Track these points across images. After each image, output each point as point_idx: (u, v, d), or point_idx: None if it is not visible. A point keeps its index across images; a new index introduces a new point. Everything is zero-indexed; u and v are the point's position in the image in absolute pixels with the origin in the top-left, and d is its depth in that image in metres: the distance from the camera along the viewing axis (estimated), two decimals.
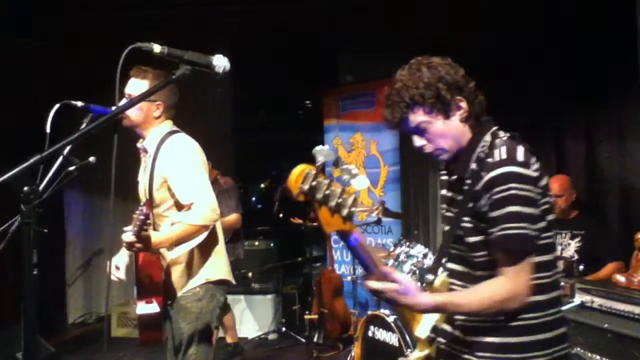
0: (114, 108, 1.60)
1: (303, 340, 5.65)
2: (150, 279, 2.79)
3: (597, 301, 3.08)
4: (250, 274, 5.88)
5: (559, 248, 4.18)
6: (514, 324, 1.73)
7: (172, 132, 2.87)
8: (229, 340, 5.31)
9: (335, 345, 5.45)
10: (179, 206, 2.79)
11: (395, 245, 4.19)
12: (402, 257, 3.99)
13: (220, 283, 2.93)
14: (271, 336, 5.97)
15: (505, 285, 1.67)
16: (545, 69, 4.75)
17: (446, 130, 1.78)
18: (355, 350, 4.20)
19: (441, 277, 1.90)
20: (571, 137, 4.79)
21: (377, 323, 4.02)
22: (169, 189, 2.78)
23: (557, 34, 4.64)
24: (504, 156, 1.70)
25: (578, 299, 3.19)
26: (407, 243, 4.04)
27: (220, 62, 1.60)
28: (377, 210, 4.93)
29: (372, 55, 6.01)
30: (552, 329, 1.76)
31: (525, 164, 1.69)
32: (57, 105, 2.37)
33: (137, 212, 2.47)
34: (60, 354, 5.11)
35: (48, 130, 2.28)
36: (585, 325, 2.97)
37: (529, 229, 1.66)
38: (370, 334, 4.09)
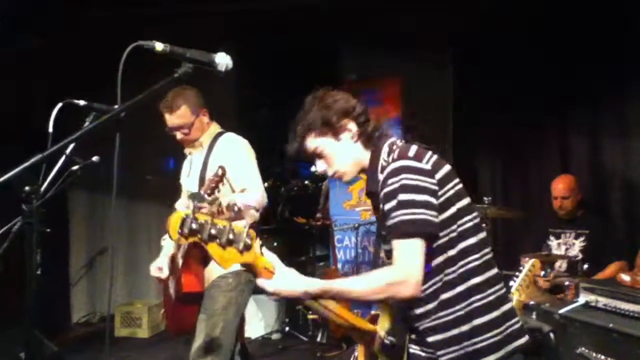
0: (116, 107, 1.59)
1: (307, 339, 5.65)
2: (195, 256, 2.94)
3: (602, 301, 3.06)
4: None
5: (563, 247, 4.17)
6: (462, 312, 1.78)
7: (222, 133, 3.18)
8: None
9: (339, 345, 5.44)
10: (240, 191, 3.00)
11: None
12: None
13: (252, 275, 3.00)
14: (275, 336, 5.96)
15: (394, 270, 1.71)
16: (549, 67, 4.73)
17: (340, 151, 1.94)
18: (359, 350, 4.19)
19: None
20: (575, 136, 4.78)
21: None
22: (227, 180, 2.96)
23: (560, 32, 4.63)
24: (395, 156, 1.83)
25: (582, 298, 3.17)
26: None
27: (223, 60, 1.60)
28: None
29: (375, 52, 6.01)
30: (498, 307, 1.81)
31: (415, 158, 1.78)
32: (59, 104, 2.38)
33: (212, 175, 2.73)
34: (64, 354, 5.12)
35: (50, 129, 2.28)
36: (590, 325, 2.95)
37: (421, 214, 1.70)
38: None
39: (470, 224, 1.82)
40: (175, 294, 3.04)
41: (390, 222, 1.74)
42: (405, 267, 1.70)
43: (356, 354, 4.22)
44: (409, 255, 1.70)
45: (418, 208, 1.71)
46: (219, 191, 2.76)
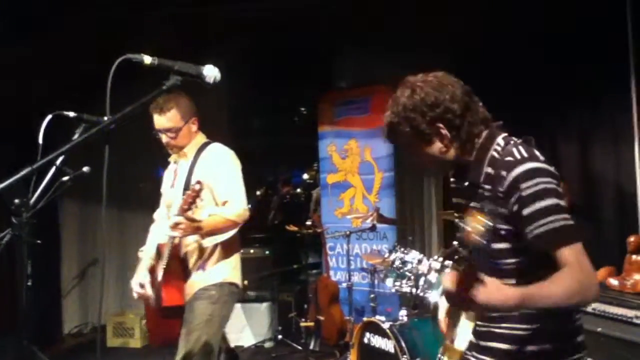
0: (105, 119, 1.61)
1: (299, 347, 5.64)
2: (175, 269, 2.94)
3: (591, 305, 3.09)
4: (245, 282, 5.85)
5: None
6: (548, 329, 1.69)
7: (208, 143, 3.15)
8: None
9: (332, 352, 5.44)
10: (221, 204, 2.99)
11: (390, 252, 4.20)
12: (397, 263, 4.00)
13: (235, 288, 3.06)
14: (267, 344, 5.95)
15: (573, 276, 1.56)
16: (538, 72, 4.77)
17: (428, 155, 1.80)
18: (352, 357, 4.20)
19: (444, 305, 1.89)
20: (564, 141, 4.82)
21: (373, 329, 4.03)
22: (210, 191, 2.97)
23: (548, 38, 4.67)
24: (525, 154, 1.66)
25: None
26: (402, 249, 4.06)
27: (211, 73, 1.62)
28: (371, 217, 4.94)
29: (367, 61, 6.04)
30: (576, 336, 1.75)
31: (545, 162, 1.66)
32: (49, 116, 2.39)
33: (190, 188, 2.72)
34: None
35: (40, 141, 2.29)
36: None
37: (570, 219, 1.60)
38: (366, 340, 4.09)
39: None
40: (156, 307, 3.00)
41: (540, 230, 1.59)
42: (586, 272, 1.58)
43: None
44: (584, 260, 1.58)
45: (565, 213, 1.60)
46: (196, 206, 2.77)
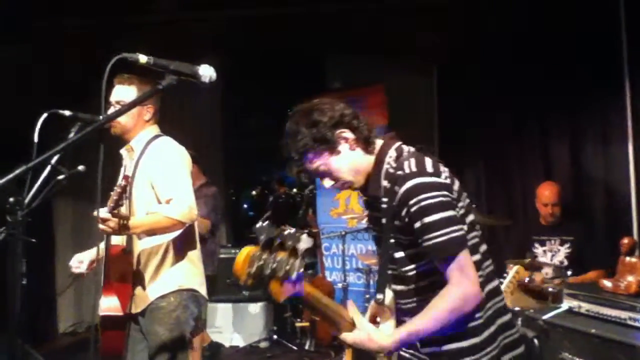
0: (101, 117, 1.61)
1: (294, 347, 5.64)
2: (121, 275, 2.76)
3: (585, 306, 3.10)
4: (228, 281, 5.85)
5: (549, 254, 4.21)
6: (462, 329, 1.78)
7: (158, 136, 2.91)
8: (204, 344, 5.25)
9: (327, 352, 5.44)
10: (166, 201, 2.78)
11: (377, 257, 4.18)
12: None
13: (193, 294, 2.88)
14: (263, 344, 5.95)
15: (454, 292, 1.70)
16: (529, 72, 4.78)
17: (342, 164, 1.86)
18: (346, 357, 4.18)
19: (389, 293, 1.94)
20: (556, 142, 4.83)
21: None
22: (152, 188, 2.79)
23: (543, 40, 4.69)
24: (414, 169, 1.76)
25: (566, 304, 3.21)
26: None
27: (206, 72, 1.61)
28: (366, 217, 4.94)
29: (359, 61, 6.05)
30: (495, 321, 1.83)
31: (435, 174, 1.75)
32: (44, 115, 2.39)
33: (115, 187, 2.50)
34: None
35: (36, 139, 2.29)
36: (573, 330, 2.98)
37: (456, 231, 1.71)
38: None
39: (477, 239, 1.84)
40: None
41: (427, 243, 1.72)
42: (462, 286, 1.70)
43: None
44: (460, 273, 1.70)
45: (451, 226, 1.70)
46: (122, 204, 2.56)
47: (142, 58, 1.53)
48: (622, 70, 4.27)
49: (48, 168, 2.29)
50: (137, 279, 2.82)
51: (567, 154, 4.73)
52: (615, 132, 4.39)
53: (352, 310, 1.77)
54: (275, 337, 5.93)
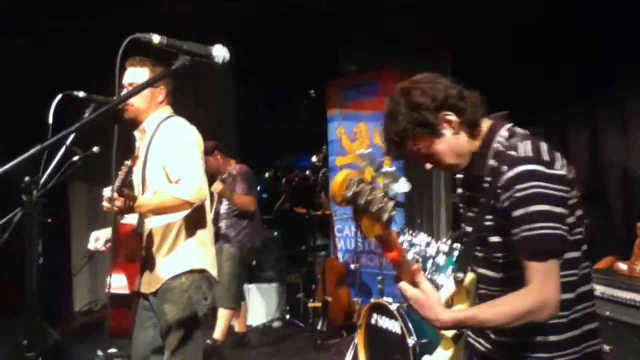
0: (114, 99, 1.61)
1: (307, 328, 5.68)
2: (127, 253, 2.78)
3: (599, 289, 3.08)
4: (254, 263, 5.91)
5: None
6: (543, 324, 1.66)
7: (170, 116, 2.90)
8: (237, 329, 5.36)
9: (339, 332, 5.48)
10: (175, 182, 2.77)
11: (399, 234, 4.19)
12: (405, 245, 4.00)
13: (205, 275, 2.89)
14: (275, 324, 6.01)
15: (531, 296, 1.58)
16: (547, 58, 4.73)
17: (445, 147, 1.75)
18: (359, 337, 4.23)
19: (470, 275, 1.84)
20: (574, 127, 4.79)
21: (380, 311, 4.05)
22: (163, 169, 2.78)
23: (561, 25, 4.62)
24: (530, 153, 1.62)
25: None
26: (411, 232, 4.05)
27: (220, 53, 1.59)
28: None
29: (375, 44, 6.00)
30: (580, 326, 1.71)
31: (550, 163, 1.61)
32: (59, 96, 2.39)
33: (122, 166, 2.47)
34: (66, 342, 5.17)
35: (50, 120, 2.30)
36: None
37: (558, 229, 1.57)
38: (373, 321, 4.11)
39: (579, 236, 1.70)
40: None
41: (521, 234, 1.58)
42: (542, 292, 1.57)
43: (356, 341, 4.27)
44: (545, 278, 1.57)
45: (554, 222, 1.56)
46: (128, 183, 2.54)
47: (155, 38, 1.52)
48: None
49: (63, 149, 2.30)
50: (149, 259, 2.84)
51: (585, 139, 4.68)
52: (634, 117, 4.33)
53: (419, 275, 1.67)
54: (287, 317, 5.98)
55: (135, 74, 2.80)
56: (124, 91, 2.74)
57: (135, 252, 2.83)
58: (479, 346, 1.85)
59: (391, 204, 1.51)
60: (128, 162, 2.52)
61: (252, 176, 5.14)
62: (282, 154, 7.15)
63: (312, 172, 6.10)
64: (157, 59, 2.70)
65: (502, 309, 1.61)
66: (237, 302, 5.10)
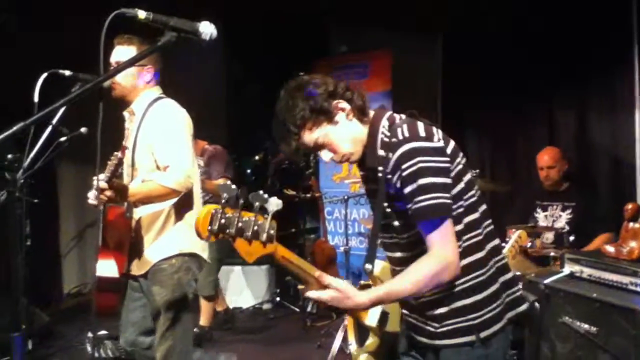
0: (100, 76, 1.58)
1: (297, 310, 5.70)
2: (116, 237, 2.77)
3: (586, 271, 3.10)
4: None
5: (550, 219, 4.22)
6: (464, 286, 1.81)
7: (160, 98, 2.86)
8: (218, 309, 5.35)
9: (329, 314, 5.50)
10: (163, 169, 2.76)
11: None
12: None
13: (195, 257, 2.89)
14: (265, 306, 6.02)
15: (433, 259, 1.73)
16: (539, 41, 4.71)
17: (340, 134, 1.86)
18: (348, 319, 4.23)
19: (380, 264, 1.97)
20: (563, 109, 4.79)
21: None
22: (152, 154, 2.77)
23: (548, 5, 4.60)
24: (407, 134, 1.77)
25: (567, 269, 3.21)
26: None
27: (207, 29, 1.57)
28: (364, 191, 4.92)
29: (365, 25, 5.96)
30: (497, 279, 1.85)
31: (428, 138, 1.76)
32: (44, 75, 2.36)
33: (112, 157, 2.47)
34: (55, 324, 5.16)
35: (36, 99, 2.27)
36: (574, 295, 3.00)
37: (443, 198, 1.72)
38: None
39: (474, 199, 1.84)
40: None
41: (414, 207, 1.73)
42: (441, 253, 1.72)
43: (345, 322, 4.28)
44: (441, 240, 1.73)
45: (439, 192, 1.72)
46: (118, 175, 2.54)
47: (141, 13, 1.49)
48: (631, 38, 4.20)
49: (49, 129, 2.27)
50: (139, 242, 2.83)
51: (573, 121, 4.69)
52: (622, 100, 4.34)
53: (325, 277, 1.74)
54: (278, 299, 5.99)
55: (122, 52, 2.77)
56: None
57: (125, 235, 2.81)
58: (413, 321, 1.95)
59: (267, 222, 1.58)
60: (118, 154, 2.50)
61: (228, 157, 5.04)
62: (272, 135, 7.13)
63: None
64: (147, 36, 2.66)
65: (410, 276, 1.75)
66: (215, 289, 5.07)
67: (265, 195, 1.58)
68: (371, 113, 1.92)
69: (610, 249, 3.12)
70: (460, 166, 1.81)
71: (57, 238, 6.61)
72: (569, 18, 4.50)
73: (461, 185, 1.80)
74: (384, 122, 1.87)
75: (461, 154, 1.84)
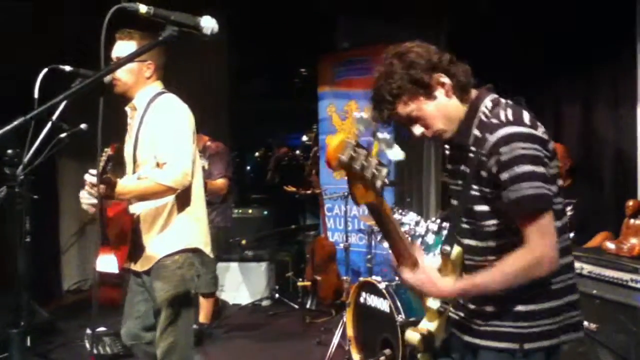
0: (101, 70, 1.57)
1: (296, 306, 5.71)
2: (116, 233, 2.75)
3: (587, 268, 3.11)
4: (244, 242, 5.90)
5: None
6: (528, 294, 1.70)
7: (161, 93, 2.84)
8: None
9: (328, 311, 5.51)
10: (161, 165, 2.74)
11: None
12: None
13: (198, 253, 2.88)
14: (265, 303, 6.02)
15: (528, 253, 1.62)
16: (543, 37, 4.70)
17: (436, 110, 1.75)
18: (348, 316, 4.24)
19: (457, 248, 1.85)
20: (567, 105, 4.77)
21: (369, 289, 4.06)
22: (153, 149, 2.75)
23: (554, 3, 4.58)
24: (510, 117, 1.67)
25: None
26: (400, 210, 4.05)
27: (208, 24, 1.56)
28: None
29: (369, 20, 5.95)
30: (561, 297, 1.74)
31: (532, 126, 1.66)
32: (45, 70, 2.35)
33: (102, 153, 2.45)
34: (55, 320, 5.16)
35: (36, 95, 2.26)
36: None
37: (542, 188, 1.60)
38: (362, 300, 4.13)
39: (560, 206, 1.75)
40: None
41: (512, 195, 1.61)
42: (538, 248, 1.61)
43: (345, 319, 4.29)
44: (540, 234, 1.61)
45: (541, 181, 1.61)
46: (108, 171, 2.48)
47: (142, 8, 1.48)
48: (634, 34, 4.18)
49: (49, 125, 2.26)
50: (141, 238, 2.82)
51: (578, 117, 4.68)
52: (626, 96, 4.32)
53: (417, 250, 1.70)
54: (277, 295, 6.00)
55: (123, 47, 2.74)
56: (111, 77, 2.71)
57: (126, 231, 2.80)
58: (457, 318, 1.88)
59: (385, 171, 1.49)
60: (108, 150, 2.48)
61: (229, 155, 5.05)
62: (274, 131, 7.12)
63: (303, 151, 6.09)
64: (149, 31, 2.65)
65: (500, 269, 1.64)
66: (216, 285, 5.08)
67: (392, 142, 1.53)
68: (474, 92, 1.81)
69: (611, 245, 3.12)
70: (555, 169, 1.71)
71: (57, 234, 6.61)
72: (573, 15, 4.48)
73: (554, 187, 1.69)
74: (487, 103, 1.77)
75: (557, 157, 1.74)
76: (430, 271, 1.68)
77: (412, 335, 1.91)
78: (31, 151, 2.10)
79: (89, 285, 6.60)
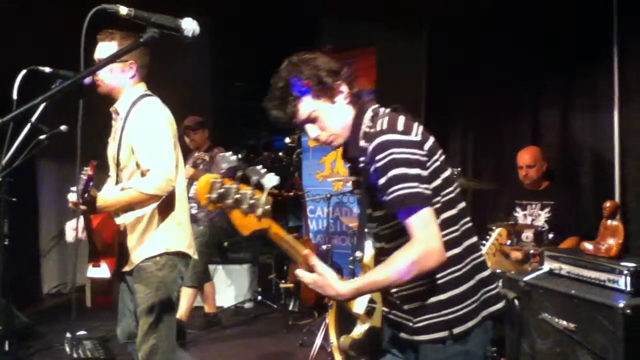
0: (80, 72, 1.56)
1: (278, 308, 5.70)
2: (103, 241, 2.76)
3: (565, 268, 3.14)
4: (226, 244, 5.88)
5: (529, 218, 4.26)
6: (439, 282, 1.81)
7: (144, 96, 2.82)
8: (207, 309, 5.35)
9: (310, 313, 5.51)
10: (143, 172, 2.73)
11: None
12: None
13: (181, 255, 2.88)
14: (247, 305, 6.01)
15: (414, 247, 1.71)
16: (522, 40, 4.74)
17: (335, 114, 1.87)
18: (330, 318, 4.25)
19: (370, 252, 1.96)
20: (546, 110, 4.82)
21: None
22: (132, 156, 2.75)
23: (532, 4, 4.64)
24: (384, 127, 1.78)
25: (547, 266, 3.26)
26: None
27: (190, 26, 1.55)
28: (352, 182, 4.95)
29: (353, 22, 5.97)
30: (473, 276, 1.85)
31: (405, 131, 1.77)
32: (24, 71, 2.33)
33: (82, 172, 2.44)
34: (35, 324, 5.09)
35: (15, 96, 2.24)
36: (553, 292, 3.03)
37: (419, 187, 1.71)
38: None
39: (453, 194, 1.84)
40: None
41: (388, 197, 1.73)
42: (423, 239, 1.70)
43: (327, 321, 4.29)
44: (422, 226, 1.70)
45: (413, 182, 1.71)
46: (89, 190, 2.46)
47: (123, 10, 1.47)
48: (612, 39, 4.24)
49: (28, 127, 2.24)
50: (125, 241, 2.81)
51: (557, 120, 4.73)
52: (602, 100, 4.38)
53: (312, 258, 1.75)
54: (259, 298, 5.99)
55: (104, 48, 2.73)
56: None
57: (113, 235, 2.79)
58: (393, 317, 1.96)
59: (264, 197, 1.59)
60: (87, 169, 2.46)
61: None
62: (258, 132, 7.10)
63: (286, 153, 6.08)
64: (129, 32, 2.63)
65: (392, 265, 1.72)
66: (200, 281, 5.08)
67: (263, 170, 1.59)
68: (357, 105, 1.92)
69: (589, 246, 3.16)
70: (438, 163, 1.82)
71: (36, 237, 6.54)
72: (553, 19, 4.53)
73: (438, 181, 1.80)
74: (369, 114, 1.88)
75: (440, 151, 1.85)
76: (327, 274, 1.73)
77: (343, 342, 2.04)
78: (9, 153, 2.07)
79: (69, 289, 6.53)
